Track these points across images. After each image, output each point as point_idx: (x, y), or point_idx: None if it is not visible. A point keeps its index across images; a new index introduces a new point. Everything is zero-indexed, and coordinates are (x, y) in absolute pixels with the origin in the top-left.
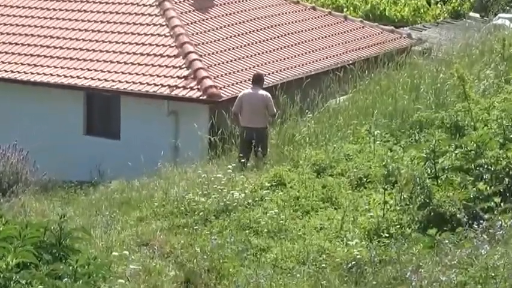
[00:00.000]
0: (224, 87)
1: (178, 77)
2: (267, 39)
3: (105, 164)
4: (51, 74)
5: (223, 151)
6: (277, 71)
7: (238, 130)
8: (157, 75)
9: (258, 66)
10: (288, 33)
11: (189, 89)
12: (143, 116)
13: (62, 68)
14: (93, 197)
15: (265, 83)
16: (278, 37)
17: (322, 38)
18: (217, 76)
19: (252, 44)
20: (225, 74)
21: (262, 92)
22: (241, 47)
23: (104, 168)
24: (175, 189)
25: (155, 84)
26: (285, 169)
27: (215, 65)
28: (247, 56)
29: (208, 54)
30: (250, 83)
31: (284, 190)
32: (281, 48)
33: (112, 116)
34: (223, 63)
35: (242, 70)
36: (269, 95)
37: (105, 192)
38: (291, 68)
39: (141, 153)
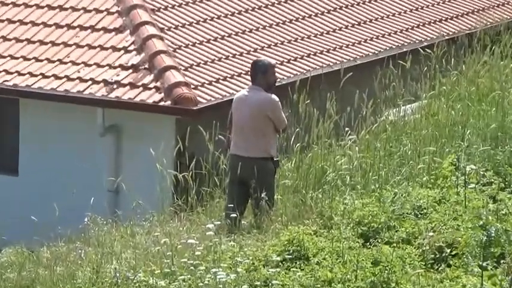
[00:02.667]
0: (203, 86)
1: (123, 67)
2: (278, 2)
3: None
4: None
5: (199, 198)
6: (294, 59)
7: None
8: (86, 64)
9: (262, 49)
10: None
11: (140, 89)
12: (59, 135)
13: None
14: None
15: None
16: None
17: (374, 1)
18: (191, 66)
19: (253, 10)
20: (205, 63)
21: (263, 94)
22: (233, 14)
23: None
24: (115, 264)
25: (81, 79)
26: (307, 231)
27: (187, 46)
28: (243, 32)
29: (176, 27)
30: (250, 78)
31: (306, 268)
32: (302, 19)
33: (5, 134)
34: (201, 43)
35: (235, 56)
36: (275, 99)
37: None
38: (319, 53)
39: (54, 200)
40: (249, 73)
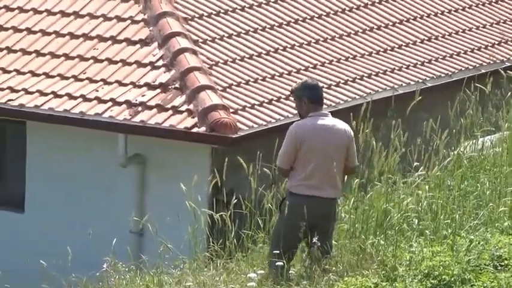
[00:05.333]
0: (244, 110)
1: (149, 86)
2: (334, 12)
3: None
4: None
5: (239, 242)
6: (352, 80)
7: (284, 201)
8: (105, 82)
9: (314, 67)
10: (371, 3)
11: (170, 112)
12: (73, 166)
13: None
14: None
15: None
16: (354, 9)
17: (448, 13)
18: (230, 86)
19: (304, 21)
20: (246, 83)
21: (338, 122)
22: (280, 26)
23: None
24: None
25: (99, 100)
26: (367, 284)
27: (225, 62)
28: (292, 46)
29: (212, 39)
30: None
31: None
32: (362, 33)
33: (9, 163)
34: (242, 59)
35: (282, 75)
36: (351, 130)
37: None
38: (382, 73)
39: (66, 242)
40: (316, 96)
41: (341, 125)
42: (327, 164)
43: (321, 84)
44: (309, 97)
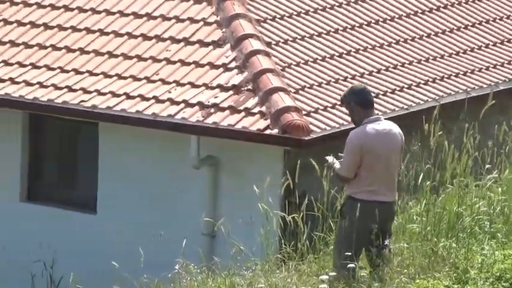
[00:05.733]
0: (316, 112)
1: (222, 88)
2: (407, 15)
3: (63, 264)
4: None
5: (311, 244)
6: (424, 83)
7: (345, 207)
8: (178, 83)
9: (387, 69)
10: (443, 6)
11: (242, 114)
12: (145, 167)
13: None
14: None
15: (389, 107)
16: (427, 12)
17: None
18: (302, 88)
19: (376, 23)
20: (319, 85)
21: (392, 125)
22: (352, 28)
23: (64, 273)
24: None
25: (172, 101)
26: (439, 286)
27: (298, 64)
28: (365, 49)
29: (285, 41)
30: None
31: None
32: (435, 35)
33: (81, 164)
34: (315, 61)
35: (355, 77)
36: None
37: None
38: (454, 76)
39: (138, 243)
40: (364, 99)
41: (395, 128)
42: (389, 168)
43: (392, 87)
44: (356, 101)
